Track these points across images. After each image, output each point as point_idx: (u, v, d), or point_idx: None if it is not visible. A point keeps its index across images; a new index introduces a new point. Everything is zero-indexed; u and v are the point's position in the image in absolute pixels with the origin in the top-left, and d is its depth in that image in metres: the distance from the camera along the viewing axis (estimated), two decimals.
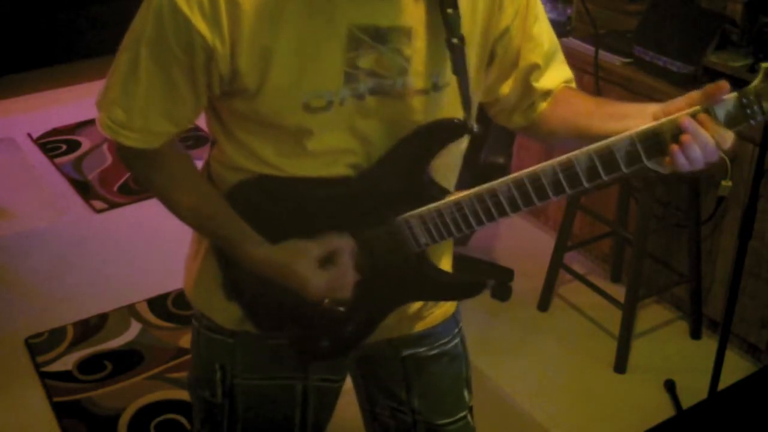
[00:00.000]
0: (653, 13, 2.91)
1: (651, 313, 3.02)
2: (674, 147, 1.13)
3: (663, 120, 1.15)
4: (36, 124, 4.39)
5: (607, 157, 1.15)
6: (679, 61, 2.72)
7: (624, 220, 3.04)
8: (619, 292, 2.86)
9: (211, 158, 1.33)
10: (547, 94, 1.35)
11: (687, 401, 2.58)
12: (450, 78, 1.23)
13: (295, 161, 1.23)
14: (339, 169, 1.24)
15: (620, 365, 2.76)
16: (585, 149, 1.16)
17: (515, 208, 1.21)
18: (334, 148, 1.22)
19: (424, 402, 1.49)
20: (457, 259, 3.06)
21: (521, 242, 3.46)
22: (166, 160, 1.26)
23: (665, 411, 2.58)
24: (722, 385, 2.44)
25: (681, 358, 2.81)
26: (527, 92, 1.35)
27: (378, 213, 1.25)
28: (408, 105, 1.22)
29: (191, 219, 1.30)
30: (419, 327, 1.46)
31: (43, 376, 2.71)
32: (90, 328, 2.95)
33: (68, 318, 2.98)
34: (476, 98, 1.33)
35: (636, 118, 1.19)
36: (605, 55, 2.94)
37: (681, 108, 1.15)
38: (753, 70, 2.55)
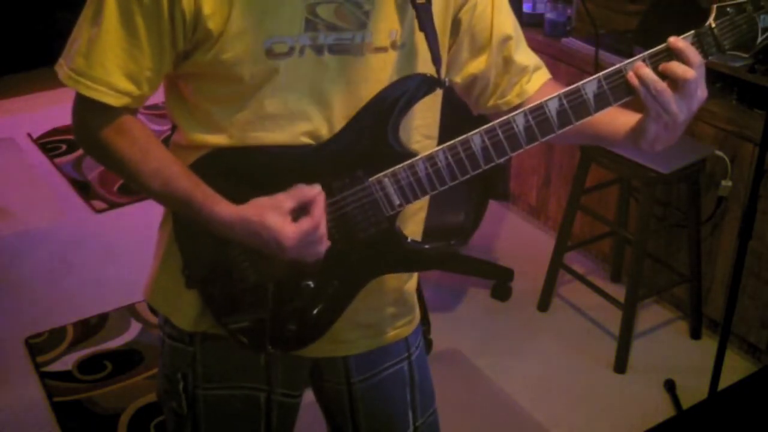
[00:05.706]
0: (653, 12, 2.91)
1: (651, 313, 3.02)
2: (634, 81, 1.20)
3: (629, 60, 1.20)
4: (36, 124, 4.39)
5: (577, 99, 1.18)
6: None
7: (624, 220, 3.04)
8: (619, 292, 2.85)
9: (171, 143, 1.31)
10: (524, 69, 1.36)
11: (687, 401, 2.58)
12: (408, 39, 1.24)
13: (254, 128, 1.21)
14: (297, 137, 1.22)
15: (620, 365, 2.76)
16: (555, 94, 1.19)
17: (488, 160, 1.21)
18: (293, 110, 1.21)
19: (369, 426, 1.51)
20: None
21: (521, 242, 3.46)
22: (127, 123, 1.21)
23: (665, 411, 2.58)
24: (722, 385, 2.44)
25: (681, 358, 2.81)
26: (507, 65, 1.36)
27: (349, 175, 1.22)
28: (368, 64, 1.22)
29: (154, 183, 1.22)
30: (375, 344, 1.45)
31: (43, 376, 2.71)
32: (90, 328, 2.95)
33: (68, 318, 2.98)
34: (445, 63, 1.33)
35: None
36: (605, 55, 2.94)
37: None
38: (753, 70, 2.55)
